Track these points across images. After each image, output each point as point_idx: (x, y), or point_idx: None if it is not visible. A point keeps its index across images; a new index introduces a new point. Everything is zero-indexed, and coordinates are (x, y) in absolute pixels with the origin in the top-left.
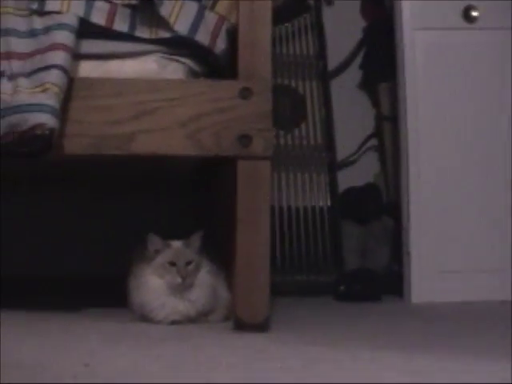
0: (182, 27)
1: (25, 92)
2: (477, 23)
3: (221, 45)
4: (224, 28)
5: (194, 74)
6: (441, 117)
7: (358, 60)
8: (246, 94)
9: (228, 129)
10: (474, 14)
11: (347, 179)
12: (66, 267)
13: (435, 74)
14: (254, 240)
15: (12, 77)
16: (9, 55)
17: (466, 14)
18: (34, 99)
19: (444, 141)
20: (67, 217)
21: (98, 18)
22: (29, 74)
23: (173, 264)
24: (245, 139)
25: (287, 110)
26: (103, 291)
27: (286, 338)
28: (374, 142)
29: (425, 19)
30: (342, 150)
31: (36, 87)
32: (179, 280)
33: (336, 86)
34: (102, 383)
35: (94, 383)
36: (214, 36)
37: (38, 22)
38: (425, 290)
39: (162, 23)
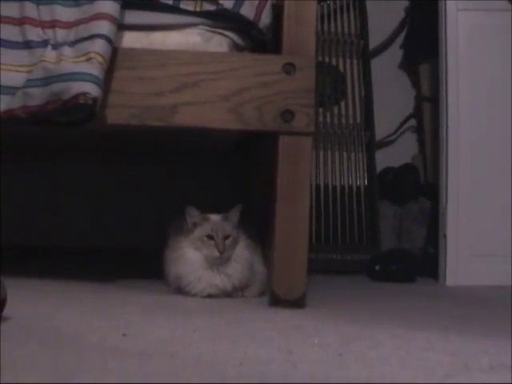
0: (226, 1)
1: (69, 61)
2: None
3: (265, 19)
4: (269, 3)
5: (238, 47)
6: (482, 100)
7: (400, 39)
8: (289, 69)
9: (271, 104)
10: None
11: (385, 159)
12: (104, 238)
13: (478, 56)
14: (293, 216)
15: (56, 45)
16: (53, 24)
17: None
18: (77, 68)
19: (484, 124)
20: (109, 188)
21: None
22: (73, 43)
23: (211, 237)
24: (287, 114)
25: (327, 87)
26: (140, 263)
27: (322, 314)
28: (413, 122)
29: (469, 0)
30: (381, 130)
31: (80, 56)
32: (217, 254)
33: (377, 65)
34: (140, 352)
35: (133, 353)
36: (259, 10)
37: None
38: (460, 273)
39: None
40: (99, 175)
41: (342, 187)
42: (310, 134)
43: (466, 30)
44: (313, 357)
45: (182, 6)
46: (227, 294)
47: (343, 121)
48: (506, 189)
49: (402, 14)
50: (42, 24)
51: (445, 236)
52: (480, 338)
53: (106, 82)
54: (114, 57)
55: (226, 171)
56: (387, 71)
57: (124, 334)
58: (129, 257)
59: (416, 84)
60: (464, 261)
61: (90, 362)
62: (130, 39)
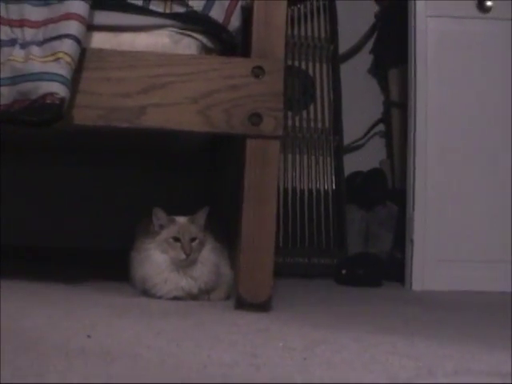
0: (196, 3)
1: (37, 60)
2: (491, 13)
3: (235, 22)
4: (239, 5)
5: (207, 50)
6: (450, 105)
7: (369, 45)
8: (258, 72)
9: (239, 107)
10: (489, 3)
11: (353, 164)
12: (71, 239)
13: (446, 62)
14: (259, 219)
15: (24, 44)
16: (22, 23)
17: (481, 4)
18: (45, 68)
19: (452, 130)
20: (75, 188)
21: None
22: (41, 43)
23: (177, 240)
24: (255, 118)
25: (296, 91)
26: (106, 264)
27: (287, 318)
28: (381, 127)
29: (438, 6)
30: (350, 135)
31: (48, 56)
32: (183, 256)
33: (346, 69)
34: (104, 354)
35: (97, 354)
36: (229, 13)
37: None
38: (426, 278)
39: None
40: (68, 176)
41: (310, 191)
42: (278, 138)
43: (435, 36)
44: (277, 360)
45: (152, 7)
46: (193, 297)
47: (312, 125)
48: (473, 195)
49: (372, 19)
50: (11, 23)
51: (412, 241)
52: (445, 343)
53: (73, 83)
54: (83, 57)
55: (194, 174)
56: (356, 76)
57: (89, 336)
58: (96, 258)
59: (385, 89)
60: (430, 266)
61: (54, 363)
62: (99, 40)
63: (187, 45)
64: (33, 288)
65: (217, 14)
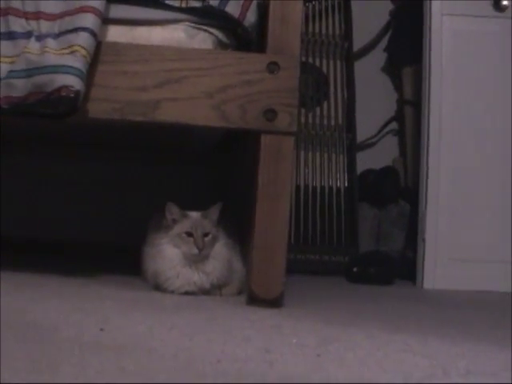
0: None
1: (52, 53)
2: (506, 12)
3: (251, 18)
4: (255, 1)
5: (222, 45)
6: (464, 104)
7: (384, 42)
8: (273, 68)
9: (254, 102)
10: (505, 2)
11: (366, 161)
12: (85, 233)
13: (461, 61)
14: (273, 215)
15: (40, 37)
16: (38, 15)
17: (497, 3)
18: (61, 61)
19: (465, 129)
20: (90, 183)
21: None
22: (57, 35)
23: (190, 234)
24: (270, 113)
25: (310, 88)
26: (119, 259)
27: (299, 315)
28: (394, 125)
29: (454, 5)
30: (363, 132)
31: (64, 49)
32: (196, 251)
33: (360, 67)
34: (117, 347)
35: (110, 347)
36: (245, 8)
37: None
38: (437, 277)
39: None
40: (85, 169)
41: (323, 188)
42: (292, 134)
43: (451, 35)
44: (290, 357)
45: (168, 1)
46: (205, 292)
47: (325, 122)
48: (486, 194)
49: (387, 17)
50: (26, 15)
51: (423, 240)
52: (457, 342)
53: (89, 76)
54: (98, 50)
55: (208, 170)
56: (370, 74)
57: (102, 329)
58: (110, 253)
59: (399, 87)
60: (442, 265)
61: (67, 357)
62: (115, 33)
63: (203, 39)
64: (44, 281)
65: (233, 9)
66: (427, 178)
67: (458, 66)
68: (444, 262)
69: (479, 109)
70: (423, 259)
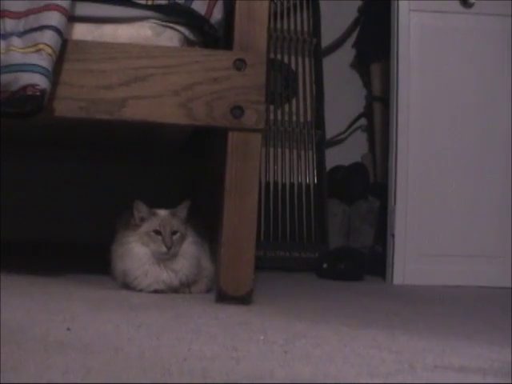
0: None
1: (18, 51)
2: (474, 8)
3: (217, 15)
4: None
5: (189, 42)
6: (432, 100)
7: (352, 39)
8: (240, 65)
9: (221, 99)
10: None
11: (335, 158)
12: (51, 232)
13: (428, 57)
14: (241, 212)
15: (5, 36)
16: (2, 13)
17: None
18: (26, 59)
19: (434, 124)
20: (54, 182)
21: None
22: (22, 34)
23: (158, 233)
24: (237, 110)
25: (279, 85)
26: (88, 257)
27: (268, 312)
28: (363, 121)
29: (422, 1)
30: (332, 129)
31: (29, 47)
32: (164, 249)
33: (328, 63)
34: (83, 347)
35: (76, 347)
36: (211, 6)
37: None
38: (407, 272)
39: None
40: (48, 169)
41: (292, 185)
42: (260, 131)
43: (418, 31)
44: (257, 354)
45: None
46: (174, 290)
47: (294, 118)
48: (454, 190)
49: (355, 14)
50: None
51: (393, 235)
52: (425, 337)
53: (55, 74)
54: (64, 49)
55: (176, 169)
56: (339, 70)
57: (68, 329)
58: (79, 252)
59: (367, 83)
60: (411, 260)
61: (33, 356)
62: (81, 31)
63: (169, 37)
64: (11, 281)
65: (199, 6)
66: (396, 173)
67: (426, 62)
68: (413, 258)
69: (447, 104)
70: (393, 255)
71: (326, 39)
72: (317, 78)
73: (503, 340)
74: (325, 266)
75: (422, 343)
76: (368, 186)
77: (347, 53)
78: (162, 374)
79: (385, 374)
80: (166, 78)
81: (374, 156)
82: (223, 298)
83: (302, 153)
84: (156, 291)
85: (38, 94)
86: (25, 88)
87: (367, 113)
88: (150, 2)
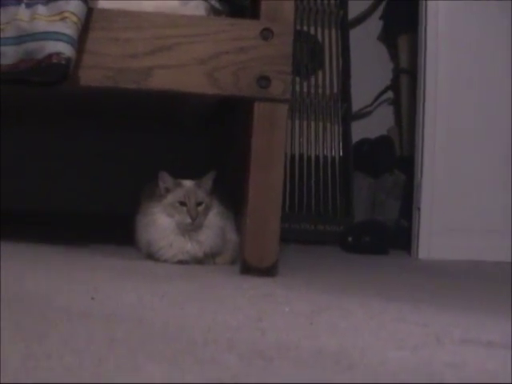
0: None
1: (42, 20)
2: None
3: None
4: None
5: (215, 12)
6: (460, 73)
7: (379, 11)
8: (267, 35)
9: (247, 69)
10: None
11: (361, 131)
12: (77, 203)
13: (457, 30)
14: (266, 184)
15: (30, 4)
16: None
17: None
18: (51, 27)
19: (462, 99)
20: (80, 153)
21: None
22: (47, 2)
23: (183, 204)
24: (263, 80)
25: (305, 56)
26: (113, 228)
27: (293, 284)
28: (390, 94)
29: None
30: (358, 101)
31: (54, 15)
32: (189, 220)
33: (355, 35)
34: (107, 316)
35: (100, 316)
36: None
37: None
38: (432, 247)
39: None
40: (74, 140)
41: (317, 158)
42: (286, 101)
43: (446, 3)
44: (283, 325)
45: None
46: (198, 261)
47: (320, 91)
48: (482, 164)
49: None
50: None
51: (419, 209)
52: (452, 311)
53: (80, 43)
54: (89, 17)
55: (202, 139)
56: (366, 42)
57: (92, 298)
58: (104, 223)
59: (394, 56)
60: (437, 234)
61: (57, 326)
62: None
63: (195, 6)
64: (35, 251)
65: None
66: (423, 147)
67: (454, 34)
68: (439, 232)
69: (476, 77)
70: (418, 229)
71: (353, 11)
72: (343, 50)
73: None
74: (350, 239)
75: (449, 317)
76: (394, 160)
77: (374, 25)
78: (186, 344)
79: (412, 346)
80: (191, 47)
81: (401, 129)
82: (248, 269)
83: (328, 125)
84: (180, 262)
85: (63, 62)
86: (50, 56)
87: (394, 85)
88: None
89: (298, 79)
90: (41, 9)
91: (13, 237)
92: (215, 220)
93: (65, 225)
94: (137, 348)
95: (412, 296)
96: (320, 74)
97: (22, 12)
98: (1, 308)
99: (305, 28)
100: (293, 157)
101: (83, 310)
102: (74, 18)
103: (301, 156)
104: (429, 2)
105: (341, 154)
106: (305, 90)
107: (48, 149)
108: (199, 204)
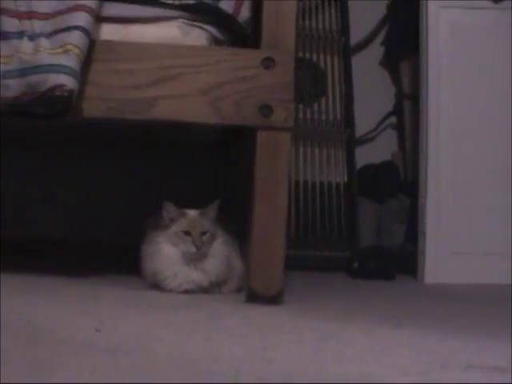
0: None
1: (45, 52)
2: (503, 4)
3: (245, 13)
4: None
5: (217, 41)
6: (462, 97)
7: (381, 36)
8: (268, 63)
9: (249, 98)
10: None
11: (365, 156)
12: (81, 232)
13: (458, 54)
14: (270, 212)
15: (33, 36)
16: (30, 15)
17: None
18: (54, 60)
19: (464, 122)
20: (85, 181)
21: None
22: (50, 35)
23: (188, 233)
24: (266, 109)
25: (308, 83)
26: (116, 258)
27: (299, 311)
28: (393, 119)
29: None
30: (361, 127)
31: (57, 48)
32: (194, 249)
33: (357, 61)
34: (113, 348)
35: (105, 348)
36: (239, 4)
37: None
38: (438, 271)
39: None
40: (80, 169)
41: (322, 183)
42: (289, 129)
43: (448, 28)
44: (288, 354)
45: None
46: (204, 290)
47: (323, 117)
48: (486, 187)
49: (384, 11)
50: (19, 15)
51: (424, 234)
52: (458, 336)
53: (82, 75)
54: (92, 49)
55: (205, 167)
56: (368, 68)
57: (97, 330)
58: (109, 253)
59: (397, 81)
60: (443, 259)
61: (62, 358)
62: (108, 31)
63: (197, 36)
64: (41, 281)
65: (226, 5)
66: (426, 171)
67: (456, 59)
68: (445, 256)
69: (478, 101)
70: (424, 253)
71: (355, 37)
72: (346, 76)
73: None
74: (355, 265)
75: (455, 342)
76: (398, 185)
77: (376, 51)
78: (192, 375)
79: (417, 373)
80: (194, 77)
81: (404, 154)
82: (253, 297)
83: (332, 151)
84: (186, 291)
85: (65, 94)
86: (53, 89)
87: (397, 111)
88: (177, 2)
89: (301, 106)
90: (43, 41)
91: (13, 266)
92: (220, 249)
93: (67, 254)
94: (142, 379)
95: (418, 321)
96: (323, 100)
97: (25, 45)
98: (5, 341)
99: (307, 55)
100: (297, 183)
101: (88, 341)
102: (77, 50)
103: (305, 182)
104: (430, 27)
105: (345, 179)
106: (308, 116)
107: (50, 177)
108: (204, 233)
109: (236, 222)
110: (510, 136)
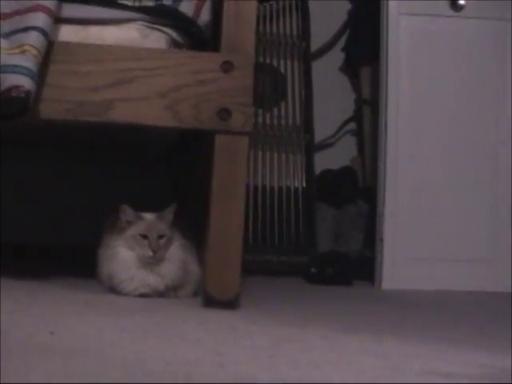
0: None
1: (3, 52)
2: (463, 12)
3: (205, 17)
4: (209, 0)
5: (176, 44)
6: (421, 104)
7: (342, 42)
8: (227, 67)
9: (208, 102)
10: (461, 2)
11: (324, 161)
12: (37, 234)
13: (418, 61)
14: (227, 216)
15: None
16: None
17: (453, 2)
18: (11, 60)
19: (423, 128)
20: (40, 184)
21: None
22: (7, 35)
23: (144, 237)
24: (224, 113)
25: (267, 88)
26: (74, 261)
27: (255, 316)
28: (352, 125)
29: (411, 4)
30: (320, 132)
31: (14, 48)
32: (150, 253)
33: (318, 67)
34: (66, 351)
35: (59, 351)
36: (199, 7)
37: None
38: (395, 277)
39: None
40: (34, 171)
41: (280, 188)
42: (247, 134)
43: (408, 34)
44: (242, 358)
45: (121, 0)
46: (160, 294)
47: (283, 122)
48: (444, 193)
49: (345, 17)
50: None
51: (381, 240)
52: (413, 342)
53: (40, 76)
54: (50, 50)
55: (162, 170)
56: (328, 74)
57: (52, 333)
58: (66, 255)
59: (357, 87)
60: (400, 265)
61: (15, 361)
62: (67, 33)
63: (156, 39)
64: None
65: (186, 8)
66: (385, 177)
67: (415, 65)
68: (402, 262)
69: (436, 108)
70: (381, 259)
71: (316, 43)
72: (306, 81)
73: (491, 346)
74: (313, 270)
75: (410, 348)
76: (357, 190)
77: (336, 56)
78: (145, 378)
79: (371, 378)
80: (152, 80)
81: (363, 160)
82: (210, 302)
83: (291, 156)
84: (142, 295)
85: (22, 95)
86: (9, 89)
87: (356, 116)
88: (136, 4)
89: (261, 111)
90: (1, 41)
91: None
92: (177, 253)
93: (28, 257)
94: (94, 381)
95: (374, 327)
96: (283, 105)
97: None
98: None
99: (267, 60)
100: (256, 188)
101: (42, 344)
102: (34, 51)
103: (264, 187)
104: (390, 34)
105: (304, 184)
106: (268, 121)
107: (8, 180)
108: (161, 237)
109: (193, 226)
110: (470, 141)
